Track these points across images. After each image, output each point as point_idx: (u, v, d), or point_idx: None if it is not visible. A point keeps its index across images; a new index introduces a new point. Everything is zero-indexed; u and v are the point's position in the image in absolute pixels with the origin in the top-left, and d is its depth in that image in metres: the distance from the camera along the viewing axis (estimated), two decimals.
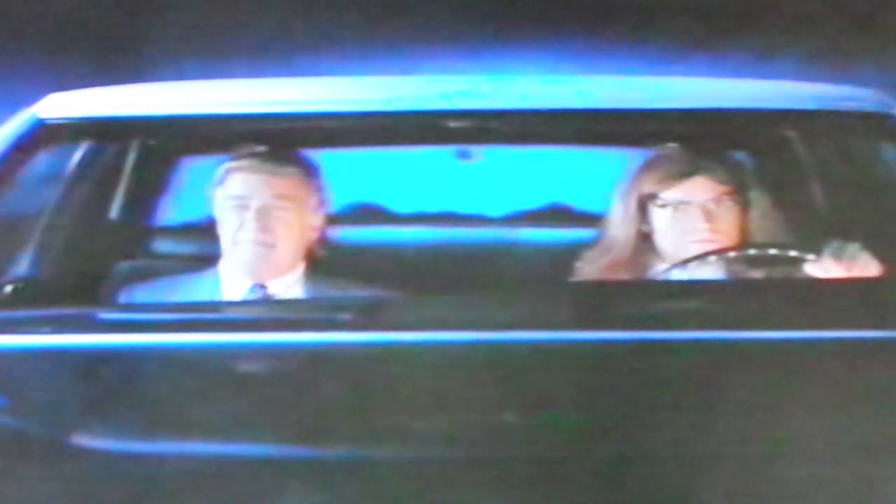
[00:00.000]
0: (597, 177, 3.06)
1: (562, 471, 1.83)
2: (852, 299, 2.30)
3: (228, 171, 2.70)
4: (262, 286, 2.68)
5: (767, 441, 1.88)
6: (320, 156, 2.81)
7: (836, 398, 1.95)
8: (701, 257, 2.58)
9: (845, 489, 1.80)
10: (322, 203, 2.75)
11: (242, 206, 2.66)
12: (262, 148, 2.71)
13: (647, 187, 2.70)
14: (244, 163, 2.69)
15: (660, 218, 2.69)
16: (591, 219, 2.97)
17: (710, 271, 2.58)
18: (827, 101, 2.77)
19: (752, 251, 2.59)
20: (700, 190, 2.66)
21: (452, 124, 2.74)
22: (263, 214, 2.65)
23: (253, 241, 2.65)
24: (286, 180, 2.68)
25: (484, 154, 3.38)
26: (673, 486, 1.80)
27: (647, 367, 2.06)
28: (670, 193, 2.68)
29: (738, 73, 3.08)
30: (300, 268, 2.72)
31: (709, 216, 2.65)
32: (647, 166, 2.73)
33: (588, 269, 2.76)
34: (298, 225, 2.69)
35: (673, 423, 1.92)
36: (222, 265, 2.73)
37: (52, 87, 2.76)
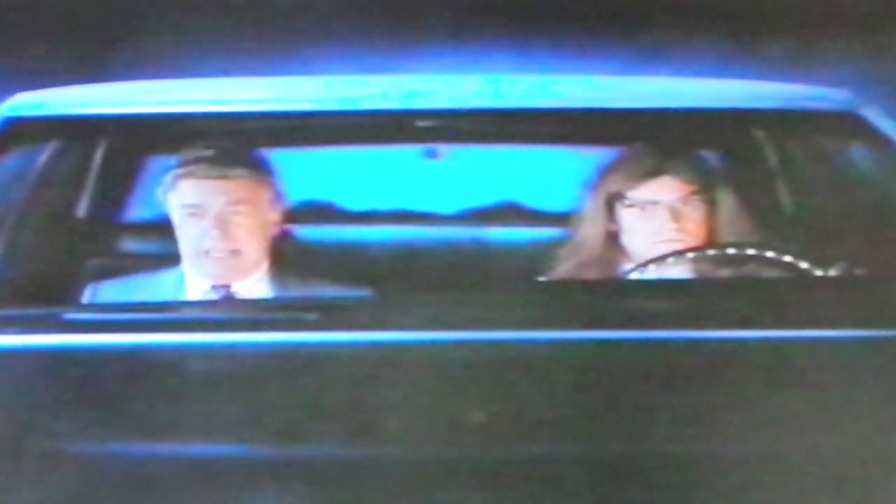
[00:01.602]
0: (564, 176, 3.06)
1: (528, 470, 1.83)
2: (824, 298, 2.31)
3: (178, 177, 2.66)
4: (226, 286, 2.67)
5: (740, 440, 1.88)
6: (272, 153, 2.79)
7: (809, 397, 1.96)
8: (677, 254, 2.58)
9: (820, 491, 1.81)
10: (277, 199, 2.72)
11: (199, 214, 2.64)
12: (207, 151, 2.66)
13: (614, 187, 2.71)
14: (193, 168, 2.65)
15: (627, 218, 2.69)
16: (559, 218, 2.97)
17: (679, 270, 2.59)
18: (794, 101, 2.78)
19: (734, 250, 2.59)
20: (667, 190, 2.67)
21: (420, 123, 2.74)
22: (222, 222, 2.62)
23: (217, 251, 2.63)
24: (238, 183, 2.64)
25: (451, 153, 3.37)
26: (644, 484, 1.81)
27: (615, 365, 2.07)
28: (637, 193, 2.68)
29: (706, 73, 3.08)
30: (263, 266, 2.70)
31: (676, 216, 2.65)
32: (614, 165, 2.73)
33: (558, 268, 2.76)
34: (258, 225, 2.67)
35: (642, 421, 1.93)
36: (184, 267, 2.71)
37: (21, 86, 2.75)
